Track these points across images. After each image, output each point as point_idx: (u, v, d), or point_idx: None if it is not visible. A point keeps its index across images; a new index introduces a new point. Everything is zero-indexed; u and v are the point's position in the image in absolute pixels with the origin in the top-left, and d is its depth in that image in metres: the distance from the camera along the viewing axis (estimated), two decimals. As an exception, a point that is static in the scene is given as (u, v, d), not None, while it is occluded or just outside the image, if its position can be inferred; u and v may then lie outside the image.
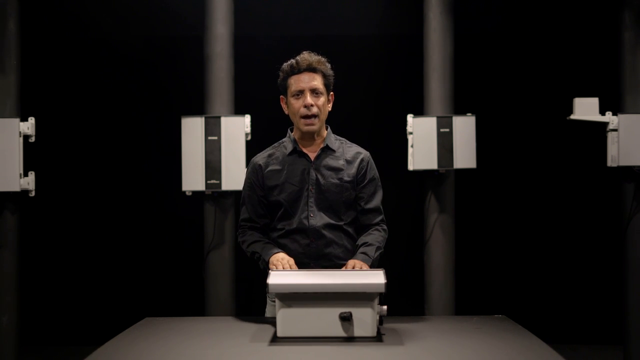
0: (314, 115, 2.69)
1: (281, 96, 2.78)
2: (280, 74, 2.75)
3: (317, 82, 2.69)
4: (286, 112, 2.79)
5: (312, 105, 2.67)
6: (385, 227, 2.80)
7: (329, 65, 2.74)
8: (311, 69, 2.69)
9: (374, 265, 2.66)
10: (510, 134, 5.70)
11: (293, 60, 2.71)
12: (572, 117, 4.48)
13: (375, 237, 2.74)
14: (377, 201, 2.79)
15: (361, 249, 2.70)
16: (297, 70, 2.69)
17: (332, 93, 2.77)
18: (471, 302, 5.22)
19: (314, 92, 2.68)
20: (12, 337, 4.51)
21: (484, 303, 5.45)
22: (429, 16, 4.77)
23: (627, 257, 4.60)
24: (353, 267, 2.56)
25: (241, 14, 4.90)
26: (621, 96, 4.60)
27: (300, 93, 2.69)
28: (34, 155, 4.64)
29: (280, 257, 2.59)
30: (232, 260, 4.77)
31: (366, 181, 2.78)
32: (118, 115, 5.75)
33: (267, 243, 2.72)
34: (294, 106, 2.70)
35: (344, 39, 5.63)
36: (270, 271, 2.39)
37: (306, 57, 2.71)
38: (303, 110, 2.68)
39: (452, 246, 4.78)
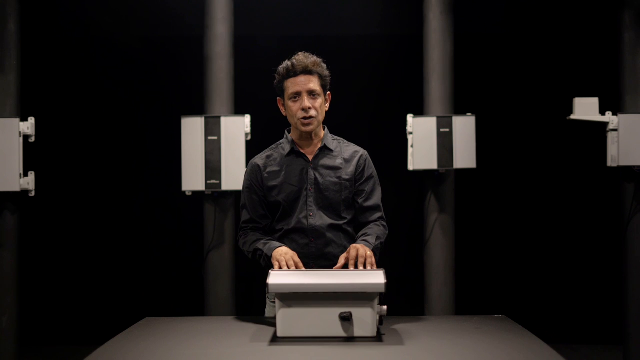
0: (312, 117, 2.69)
1: (278, 98, 2.77)
2: (276, 76, 2.73)
3: (314, 84, 2.67)
4: (284, 114, 2.78)
5: (310, 108, 2.67)
6: (385, 223, 2.78)
7: (325, 66, 2.72)
8: (307, 71, 2.66)
9: (375, 255, 2.63)
10: (510, 134, 5.70)
11: (289, 63, 2.69)
12: (572, 117, 4.48)
13: (374, 230, 2.71)
14: (376, 199, 2.77)
15: (361, 238, 2.68)
16: (293, 73, 2.67)
17: (329, 93, 2.76)
18: (471, 302, 5.23)
19: (311, 94, 2.67)
20: (12, 337, 4.51)
21: (484, 303, 5.45)
22: (429, 16, 4.77)
23: (627, 257, 4.60)
24: (357, 252, 2.49)
25: (241, 14, 4.90)
26: (621, 96, 4.60)
27: (297, 96, 2.67)
28: (34, 155, 4.65)
29: (284, 252, 2.56)
30: (232, 260, 4.77)
31: (364, 178, 2.76)
32: (118, 115, 5.75)
33: (269, 240, 2.70)
34: (292, 109, 2.69)
35: (344, 39, 5.63)
36: (270, 271, 2.38)
37: (302, 59, 2.68)
38: (301, 114, 2.67)
39: (452, 246, 4.78)
